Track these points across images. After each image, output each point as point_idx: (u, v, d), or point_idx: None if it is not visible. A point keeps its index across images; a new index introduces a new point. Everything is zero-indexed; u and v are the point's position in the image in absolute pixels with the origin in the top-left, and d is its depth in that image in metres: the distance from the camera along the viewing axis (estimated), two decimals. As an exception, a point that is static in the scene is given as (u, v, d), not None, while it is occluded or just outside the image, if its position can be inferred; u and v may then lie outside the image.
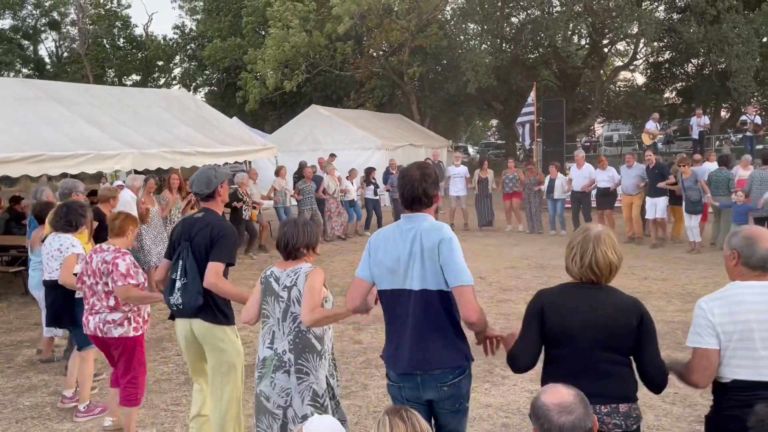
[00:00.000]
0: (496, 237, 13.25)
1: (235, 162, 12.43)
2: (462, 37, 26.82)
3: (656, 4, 25.23)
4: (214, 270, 3.57)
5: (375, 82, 28.40)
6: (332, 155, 15.47)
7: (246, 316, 3.32)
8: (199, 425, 3.91)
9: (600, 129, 38.64)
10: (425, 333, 2.75)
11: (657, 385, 2.48)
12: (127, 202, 8.31)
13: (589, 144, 33.21)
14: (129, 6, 40.71)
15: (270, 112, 32.17)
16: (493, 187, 14.11)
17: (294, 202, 12.98)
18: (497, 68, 24.50)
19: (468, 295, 2.67)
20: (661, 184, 11.02)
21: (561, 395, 1.96)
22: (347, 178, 14.00)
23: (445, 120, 33.51)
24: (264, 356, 3.25)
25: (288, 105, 30.36)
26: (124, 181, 10.13)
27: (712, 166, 12.24)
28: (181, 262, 3.67)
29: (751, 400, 2.24)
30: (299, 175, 13.51)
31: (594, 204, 12.76)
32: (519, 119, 18.26)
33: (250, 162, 14.26)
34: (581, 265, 2.51)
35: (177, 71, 42.63)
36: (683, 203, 10.84)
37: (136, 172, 9.79)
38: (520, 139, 18.78)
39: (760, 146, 21.44)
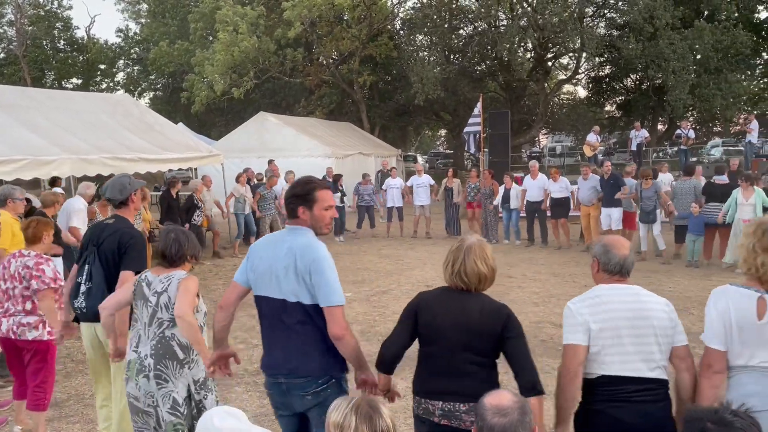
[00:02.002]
0: (443, 245, 13.40)
1: (179, 169, 12.17)
2: (411, 48, 27.14)
3: (597, 20, 26.18)
4: (124, 279, 3.69)
5: (325, 90, 28.41)
6: (271, 162, 15.36)
7: (102, 305, 3.44)
8: (106, 414, 4.04)
9: (544, 140, 39.71)
10: (294, 342, 2.79)
11: (526, 386, 2.53)
12: (80, 209, 8.06)
13: (534, 155, 34.07)
14: (70, 7, 39.58)
15: (217, 118, 31.72)
16: (457, 197, 14.21)
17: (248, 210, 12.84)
18: (445, 80, 24.89)
19: (336, 316, 2.72)
20: (618, 195, 11.18)
21: (501, 399, 2.01)
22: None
23: (395, 129, 33.79)
24: (129, 359, 3.30)
25: (236, 111, 30.00)
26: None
27: (665, 177, 12.80)
28: (87, 267, 3.80)
29: (618, 394, 2.42)
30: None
31: (548, 213, 12.94)
32: (466, 129, 18.59)
33: (195, 169, 14.01)
34: (452, 272, 2.68)
35: (120, 75, 41.57)
36: (638, 213, 11.04)
37: (76, 179, 9.48)
38: (466, 148, 19.12)
39: (694, 159, 22.48)
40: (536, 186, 12.84)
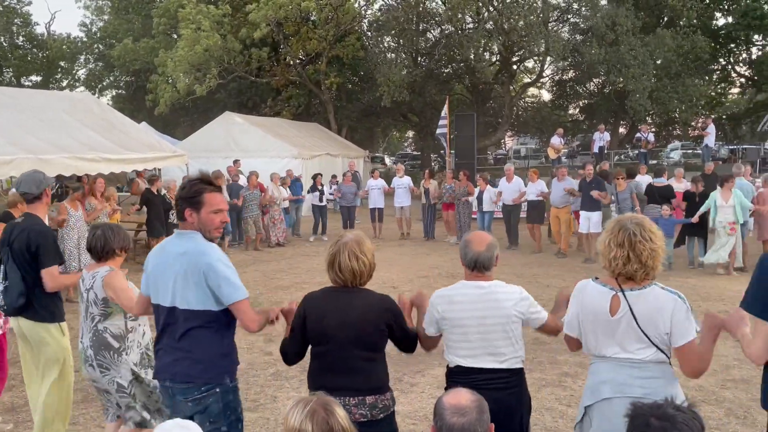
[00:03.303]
0: (409, 246, 13.48)
1: (144, 169, 11.99)
2: (378, 50, 27.19)
3: (561, 25, 26.63)
4: (49, 276, 3.86)
5: (292, 90, 28.25)
6: (236, 161, 15.25)
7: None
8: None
9: (510, 142, 40.18)
10: (182, 348, 2.80)
11: (408, 351, 2.94)
12: None
13: (500, 157, 34.44)
14: (30, 3, 38.31)
15: (182, 118, 31.26)
16: (433, 198, 14.19)
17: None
18: (412, 82, 25.02)
19: (244, 309, 2.80)
20: (594, 195, 10.99)
21: (459, 398, 2.06)
22: (281, 185, 14.08)
23: (363, 130, 33.77)
24: (79, 349, 3.66)
25: (201, 111, 29.60)
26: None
27: (644, 179, 12.92)
28: (2, 267, 3.97)
29: (470, 383, 2.56)
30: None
31: (524, 215, 12.92)
32: (438, 131, 18.72)
33: (159, 169, 13.81)
34: (330, 269, 2.78)
35: (82, 72, 40.60)
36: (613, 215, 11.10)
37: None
38: (443, 151, 19.27)
39: (653, 161, 23.05)
40: (511, 189, 12.73)
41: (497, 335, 2.76)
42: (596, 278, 2.67)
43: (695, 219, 10.10)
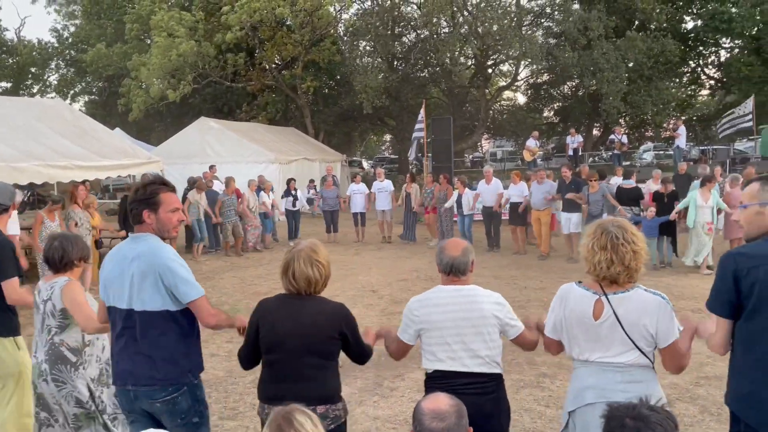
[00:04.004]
0: (389, 250, 13.49)
1: (118, 176, 11.83)
2: (354, 54, 27.22)
3: (535, 29, 26.94)
4: (11, 288, 3.77)
5: (268, 95, 28.14)
6: (212, 167, 15.15)
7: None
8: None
9: (486, 145, 40.45)
10: (142, 350, 2.81)
11: (362, 363, 2.96)
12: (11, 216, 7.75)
13: (476, 160, 34.63)
14: (-2, 7, 37.62)
15: (156, 123, 30.92)
16: (415, 203, 14.18)
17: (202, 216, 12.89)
18: (388, 86, 25.09)
19: (202, 306, 2.82)
20: (569, 196, 11.08)
21: (438, 403, 2.07)
22: (263, 190, 14.09)
23: (340, 134, 33.75)
24: (32, 364, 3.56)
25: (175, 116, 29.31)
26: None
27: (620, 180, 13.05)
28: None
29: (449, 387, 2.60)
30: (188, 190, 13.34)
31: (506, 217, 12.92)
32: (414, 134, 18.80)
33: (134, 176, 13.65)
34: (284, 277, 2.77)
35: (53, 78, 39.95)
36: (587, 218, 10.91)
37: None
38: (408, 153, 19.35)
39: (627, 163, 23.40)
40: (490, 191, 12.75)
41: (475, 337, 2.78)
42: (579, 282, 2.69)
43: (673, 216, 10.23)
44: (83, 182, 9.98)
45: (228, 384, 5.65)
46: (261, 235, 13.81)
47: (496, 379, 2.83)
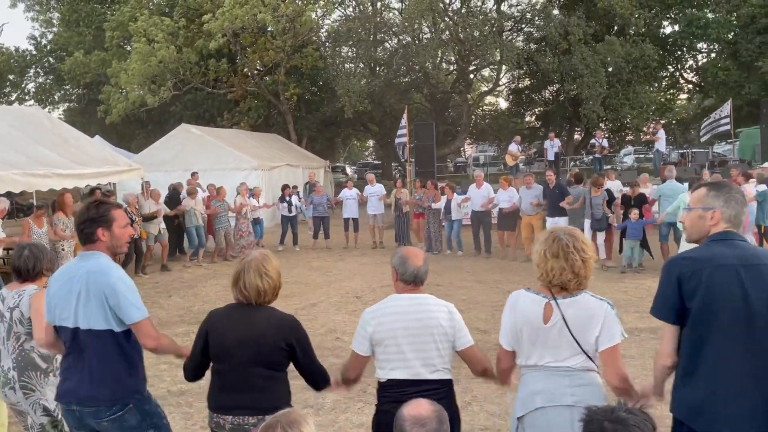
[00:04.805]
0: (372, 256, 13.47)
1: (97, 184, 11.71)
2: (337, 60, 27.26)
3: (516, 34, 27.17)
4: None
5: (250, 101, 28.03)
6: (194, 174, 15.07)
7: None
8: None
9: (469, 150, 40.65)
10: (86, 370, 2.83)
11: (316, 387, 2.94)
12: None
13: (459, 165, 34.74)
14: (-26, 14, 37.05)
15: (137, 131, 30.65)
16: (405, 207, 14.13)
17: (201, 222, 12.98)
18: (371, 92, 25.12)
19: (144, 329, 2.84)
20: (562, 204, 11.11)
21: (419, 410, 2.06)
22: (252, 196, 14.11)
23: (323, 140, 33.70)
24: None
25: (156, 123, 29.09)
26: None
27: (614, 184, 13.02)
28: None
29: (402, 395, 2.63)
30: (170, 198, 13.34)
31: (494, 221, 12.89)
32: (397, 140, 18.84)
33: (114, 183, 13.52)
34: (234, 287, 2.80)
35: (31, 86, 39.43)
36: (590, 221, 10.96)
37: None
38: (402, 157, 19.35)
39: (608, 167, 23.64)
40: (480, 195, 12.70)
41: (429, 345, 2.80)
42: (528, 288, 2.72)
43: (660, 219, 10.30)
44: (63, 190, 9.93)
45: (202, 399, 5.57)
46: (252, 240, 13.84)
47: (446, 385, 2.86)
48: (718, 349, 2.39)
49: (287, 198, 14.55)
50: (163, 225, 12.39)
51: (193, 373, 2.90)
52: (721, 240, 2.49)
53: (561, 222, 11.16)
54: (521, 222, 12.22)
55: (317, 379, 2.91)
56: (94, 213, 2.89)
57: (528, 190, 11.89)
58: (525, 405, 2.62)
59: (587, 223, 11.01)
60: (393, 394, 2.76)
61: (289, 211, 14.50)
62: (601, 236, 10.96)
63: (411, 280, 2.87)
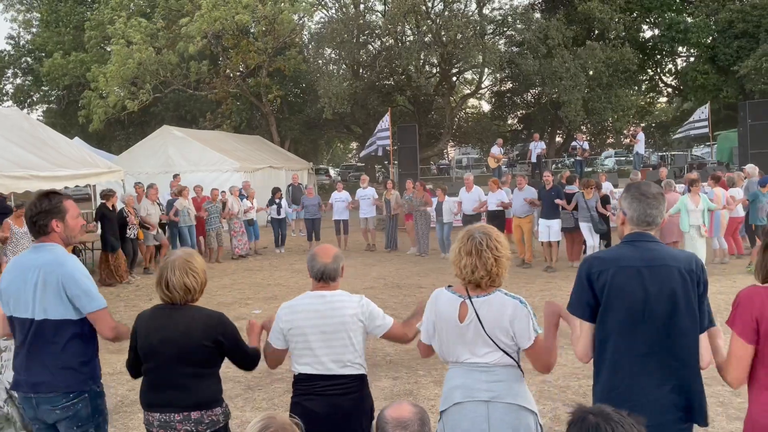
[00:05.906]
0: (355, 258, 13.45)
1: (76, 186, 11.59)
2: (320, 62, 27.25)
3: (497, 37, 27.34)
4: None
5: (232, 103, 27.89)
6: (176, 176, 14.96)
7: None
8: None
9: (452, 152, 40.80)
10: (43, 359, 2.88)
11: (247, 369, 3.03)
12: None
13: (442, 167, 34.85)
14: (-49, 14, 36.46)
15: (117, 132, 30.35)
16: (395, 209, 14.10)
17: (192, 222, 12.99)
18: (354, 94, 25.12)
19: (102, 319, 2.91)
20: (558, 201, 11.00)
21: (401, 411, 2.06)
22: (247, 198, 14.18)
23: (306, 142, 33.62)
24: None
25: (137, 125, 28.83)
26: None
27: (605, 186, 13.05)
28: None
29: (311, 389, 2.81)
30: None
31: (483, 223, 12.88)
32: (378, 142, 18.61)
33: (94, 186, 13.40)
34: (158, 287, 2.83)
35: (9, 87, 38.85)
36: (590, 223, 10.80)
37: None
38: (378, 153, 19.21)
39: (589, 169, 23.88)
40: (471, 198, 12.64)
41: (340, 341, 2.85)
42: (449, 286, 2.77)
43: (662, 224, 10.26)
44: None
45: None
46: (247, 241, 13.95)
47: (358, 380, 2.91)
48: (617, 347, 2.50)
49: (276, 201, 14.59)
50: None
51: (132, 370, 2.96)
52: (629, 242, 2.60)
53: (554, 225, 11.15)
54: (513, 224, 12.04)
55: (247, 365, 2.99)
56: (47, 204, 2.91)
57: (520, 191, 11.75)
58: (446, 400, 2.68)
59: (586, 227, 10.86)
60: (304, 387, 2.87)
61: (278, 213, 14.56)
62: (597, 238, 10.82)
63: (319, 277, 2.92)
